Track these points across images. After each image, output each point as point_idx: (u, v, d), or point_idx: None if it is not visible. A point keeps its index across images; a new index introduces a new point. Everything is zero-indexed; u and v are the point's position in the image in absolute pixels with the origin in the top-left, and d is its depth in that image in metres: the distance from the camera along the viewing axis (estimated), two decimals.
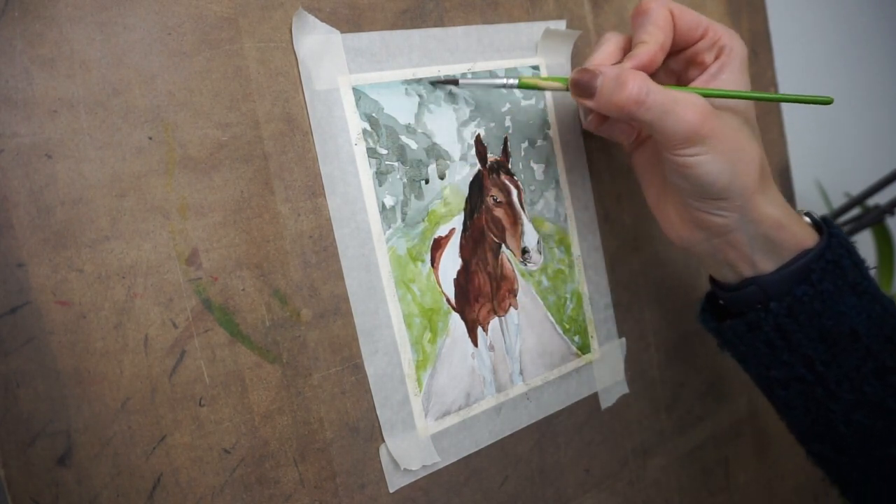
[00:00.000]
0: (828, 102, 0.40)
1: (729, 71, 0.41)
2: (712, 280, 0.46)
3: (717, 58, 0.41)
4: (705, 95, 0.39)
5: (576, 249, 0.47)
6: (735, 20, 0.59)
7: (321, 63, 0.37)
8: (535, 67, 0.45)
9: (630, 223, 0.50)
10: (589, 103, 0.38)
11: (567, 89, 0.40)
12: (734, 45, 0.41)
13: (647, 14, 0.40)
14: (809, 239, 0.41)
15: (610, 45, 0.41)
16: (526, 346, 0.44)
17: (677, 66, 0.43)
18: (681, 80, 0.44)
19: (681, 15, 0.41)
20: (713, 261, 0.43)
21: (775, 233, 0.40)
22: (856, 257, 0.42)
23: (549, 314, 0.45)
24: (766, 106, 0.61)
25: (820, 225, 0.43)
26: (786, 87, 0.67)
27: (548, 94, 0.46)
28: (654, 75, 0.39)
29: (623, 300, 0.50)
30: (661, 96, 0.36)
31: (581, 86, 0.38)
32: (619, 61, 0.40)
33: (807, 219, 0.43)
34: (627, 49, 0.41)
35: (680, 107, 0.36)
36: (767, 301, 0.42)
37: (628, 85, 0.36)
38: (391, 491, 0.38)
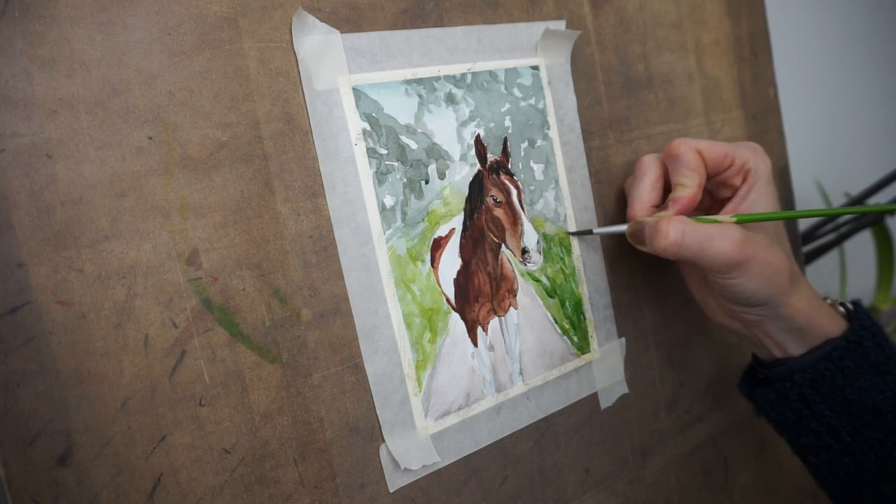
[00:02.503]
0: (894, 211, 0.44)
1: (756, 191, 0.45)
2: (754, 355, 0.50)
3: (744, 180, 0.45)
4: (739, 221, 0.42)
5: (576, 249, 0.47)
6: (735, 20, 0.59)
7: (321, 63, 0.37)
8: (535, 67, 0.45)
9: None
10: (644, 248, 0.43)
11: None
12: (758, 166, 0.45)
13: (679, 158, 0.44)
14: (837, 328, 0.45)
15: (651, 178, 0.46)
16: (526, 346, 0.44)
17: (710, 186, 0.47)
18: (714, 196, 0.48)
19: (708, 152, 0.45)
20: (749, 342, 0.48)
21: (804, 324, 0.45)
22: (880, 339, 0.46)
23: (548, 314, 0.45)
24: (765, 105, 0.61)
25: (850, 313, 0.47)
26: (786, 86, 0.67)
27: (548, 94, 0.46)
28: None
29: (623, 300, 0.50)
30: (697, 237, 0.40)
31: (635, 237, 0.44)
32: (661, 202, 0.46)
33: (840, 308, 0.48)
34: (663, 174, 0.46)
35: (716, 241, 0.40)
36: (793, 374, 0.46)
37: (666, 233, 0.40)
38: (391, 491, 0.38)
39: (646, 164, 0.46)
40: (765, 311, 0.44)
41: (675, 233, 0.40)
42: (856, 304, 0.48)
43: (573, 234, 0.46)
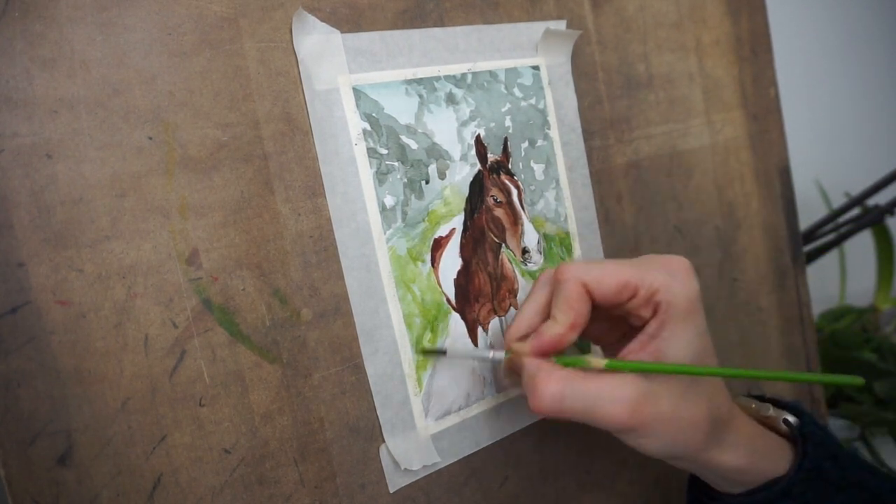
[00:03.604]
0: (859, 384, 0.34)
1: (670, 329, 0.36)
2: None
3: (654, 313, 0.36)
4: (640, 370, 0.35)
5: (576, 249, 0.47)
6: (735, 20, 0.59)
7: (321, 63, 0.37)
8: (536, 67, 0.45)
9: (630, 223, 0.50)
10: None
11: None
12: (672, 298, 0.36)
13: (560, 286, 0.37)
14: (781, 466, 0.39)
15: (537, 300, 0.38)
16: None
17: (619, 313, 0.38)
18: (630, 323, 0.39)
19: (597, 285, 0.36)
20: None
21: (737, 476, 0.38)
22: (834, 450, 0.40)
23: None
24: (766, 105, 0.61)
25: (794, 430, 0.40)
26: (787, 86, 0.67)
27: (548, 94, 0.46)
28: (594, 321, 0.38)
29: None
30: (580, 399, 0.34)
31: (512, 375, 0.38)
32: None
33: (783, 425, 0.41)
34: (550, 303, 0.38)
35: (602, 407, 0.34)
36: None
37: (540, 391, 0.34)
38: (391, 491, 0.38)
39: (539, 283, 0.39)
40: (679, 463, 0.38)
41: (552, 396, 0.34)
42: (798, 412, 0.41)
43: (425, 352, 0.40)
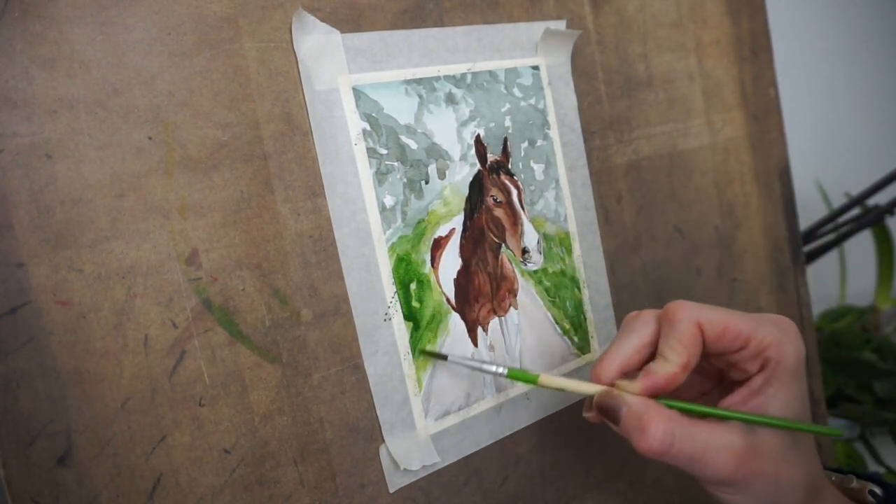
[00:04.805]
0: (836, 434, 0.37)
1: (776, 386, 0.35)
2: None
3: (761, 369, 0.35)
4: (746, 422, 0.34)
5: (576, 249, 0.47)
6: (735, 20, 0.59)
7: (321, 63, 0.37)
8: (535, 67, 0.45)
9: (630, 223, 0.50)
10: (615, 428, 0.35)
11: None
12: (782, 356, 0.35)
13: (672, 325, 0.35)
14: None
15: (640, 337, 0.37)
16: (526, 346, 0.44)
17: (719, 363, 0.38)
18: (723, 376, 0.39)
19: (712, 328, 0.35)
20: None
21: None
22: None
23: (548, 314, 0.45)
24: (766, 105, 0.61)
25: (881, 500, 0.39)
26: (787, 86, 0.67)
27: (548, 94, 0.46)
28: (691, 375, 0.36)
29: (623, 300, 0.50)
30: (689, 445, 0.33)
31: (607, 410, 0.35)
32: (639, 368, 0.37)
33: (870, 497, 0.39)
34: (657, 340, 0.37)
35: (710, 455, 0.33)
36: None
37: (650, 432, 0.33)
38: (391, 491, 0.38)
39: (641, 321, 0.37)
40: None
41: (663, 437, 0.33)
42: (884, 484, 0.40)
43: (427, 354, 0.39)
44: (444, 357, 0.39)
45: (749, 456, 0.33)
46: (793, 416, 0.35)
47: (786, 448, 0.35)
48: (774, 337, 0.35)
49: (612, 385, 0.36)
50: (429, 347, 0.40)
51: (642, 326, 0.37)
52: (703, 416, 0.35)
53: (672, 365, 0.35)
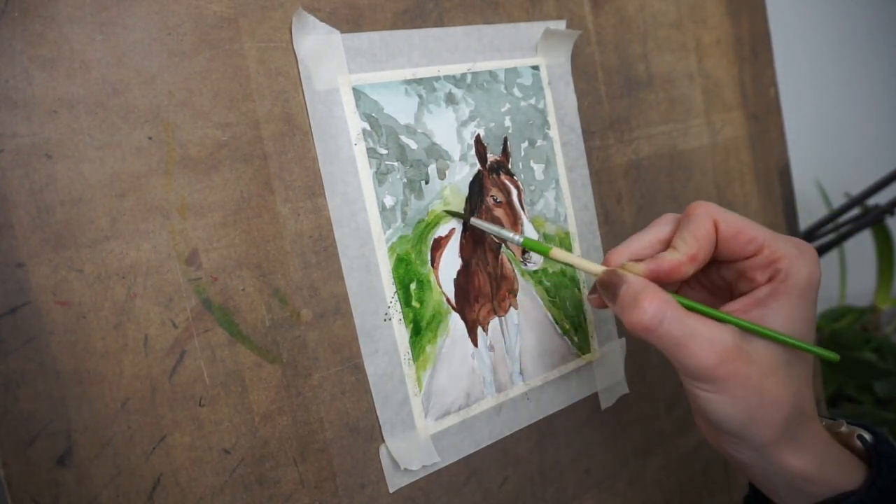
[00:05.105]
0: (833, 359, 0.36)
1: (781, 301, 0.34)
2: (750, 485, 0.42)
3: (769, 280, 0.35)
4: (741, 327, 0.34)
5: (576, 249, 0.47)
6: (735, 20, 0.59)
7: (321, 63, 0.37)
8: (535, 67, 0.45)
9: (630, 223, 0.50)
10: (612, 307, 0.35)
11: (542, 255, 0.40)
12: (793, 271, 0.34)
13: (688, 219, 0.36)
14: (851, 481, 0.36)
15: (656, 233, 0.37)
16: (526, 346, 0.44)
17: (729, 275, 0.38)
18: (733, 289, 0.38)
19: (727, 228, 0.35)
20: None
21: (803, 484, 0.35)
22: None
23: (548, 314, 0.45)
24: (766, 105, 0.61)
25: (871, 449, 0.37)
26: (787, 86, 0.67)
27: (548, 94, 0.46)
28: (702, 278, 0.38)
29: None
30: (676, 328, 0.33)
31: (607, 286, 0.35)
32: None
33: (857, 441, 0.38)
34: (670, 240, 0.37)
35: (695, 343, 0.33)
36: None
37: (642, 306, 0.33)
38: (391, 491, 0.38)
39: (662, 220, 0.38)
40: (745, 449, 0.35)
41: (654, 313, 0.33)
42: (874, 432, 0.39)
43: (449, 213, 0.41)
44: (466, 217, 0.41)
45: (735, 356, 0.33)
46: (794, 336, 0.34)
47: (777, 364, 0.34)
48: (790, 252, 0.35)
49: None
50: (451, 209, 0.41)
51: (662, 224, 0.37)
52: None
53: (680, 254, 0.35)
